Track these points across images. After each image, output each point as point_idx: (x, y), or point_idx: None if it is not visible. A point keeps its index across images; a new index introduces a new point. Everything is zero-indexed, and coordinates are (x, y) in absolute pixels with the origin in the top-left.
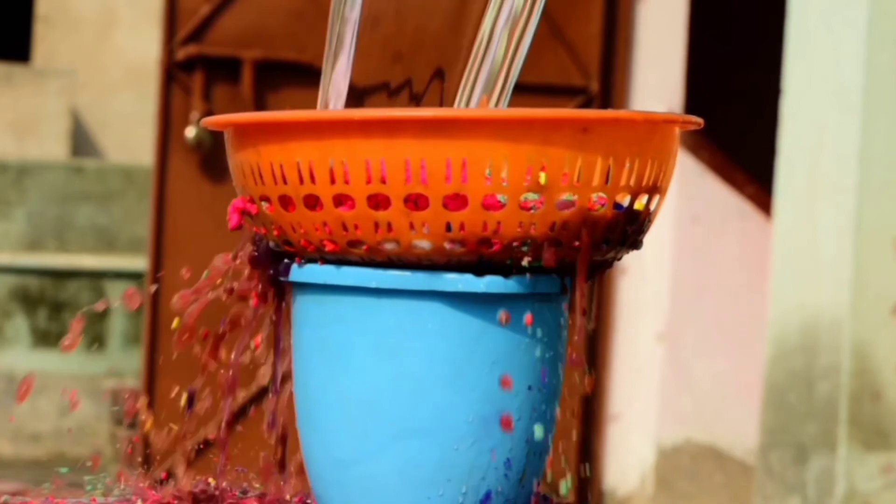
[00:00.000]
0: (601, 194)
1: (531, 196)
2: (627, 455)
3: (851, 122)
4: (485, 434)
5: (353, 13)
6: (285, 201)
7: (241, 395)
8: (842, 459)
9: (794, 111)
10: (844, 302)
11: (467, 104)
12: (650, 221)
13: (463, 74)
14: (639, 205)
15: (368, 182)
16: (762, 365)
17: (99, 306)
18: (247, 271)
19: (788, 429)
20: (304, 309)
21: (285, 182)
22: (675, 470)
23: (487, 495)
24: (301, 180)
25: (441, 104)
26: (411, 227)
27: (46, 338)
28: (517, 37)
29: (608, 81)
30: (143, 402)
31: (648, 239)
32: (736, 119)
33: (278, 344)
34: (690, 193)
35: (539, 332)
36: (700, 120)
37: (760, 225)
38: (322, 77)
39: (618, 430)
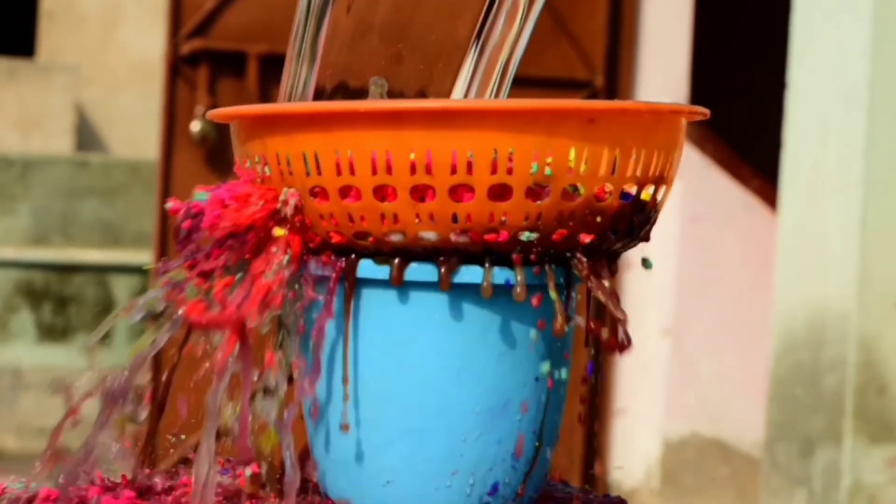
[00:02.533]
0: (607, 185)
1: (538, 187)
2: (633, 449)
3: (857, 117)
4: (492, 426)
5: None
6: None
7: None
8: (848, 452)
9: (799, 106)
10: (850, 296)
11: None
12: (657, 212)
13: (461, 67)
14: (645, 195)
15: (374, 173)
16: (768, 359)
17: None
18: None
19: (794, 422)
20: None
21: (291, 174)
22: (681, 463)
23: (495, 487)
24: (307, 172)
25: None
26: (417, 218)
27: (52, 332)
28: (517, 27)
29: (613, 76)
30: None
31: (653, 233)
32: (741, 113)
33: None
34: (695, 188)
35: (547, 323)
36: (706, 110)
37: (766, 219)
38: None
39: (624, 425)
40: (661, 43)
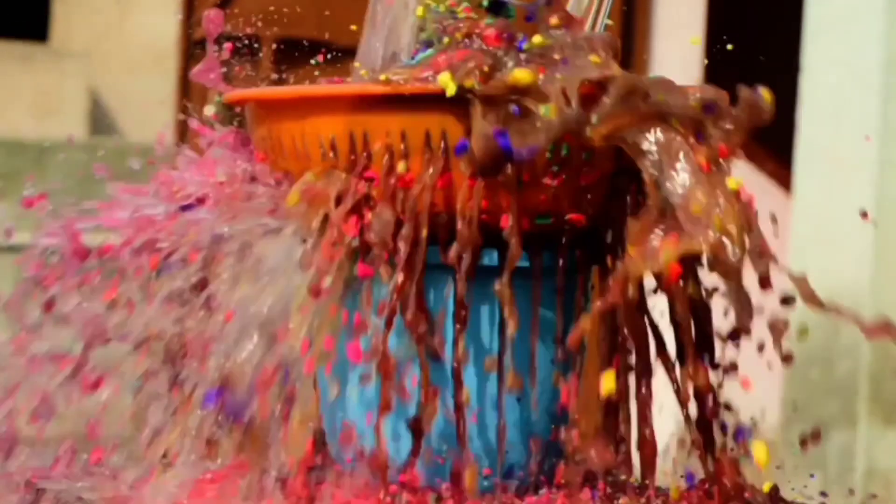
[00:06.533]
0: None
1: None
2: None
3: (871, 100)
4: (507, 408)
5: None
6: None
7: None
8: (863, 436)
9: (813, 88)
10: (864, 279)
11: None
12: None
13: None
14: None
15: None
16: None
17: None
18: None
19: (809, 405)
20: None
21: (308, 157)
22: None
23: (510, 468)
24: (323, 154)
25: None
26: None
27: None
28: None
29: (627, 58)
30: None
31: None
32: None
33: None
34: None
35: (560, 308)
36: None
37: (780, 201)
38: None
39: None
40: (675, 25)
